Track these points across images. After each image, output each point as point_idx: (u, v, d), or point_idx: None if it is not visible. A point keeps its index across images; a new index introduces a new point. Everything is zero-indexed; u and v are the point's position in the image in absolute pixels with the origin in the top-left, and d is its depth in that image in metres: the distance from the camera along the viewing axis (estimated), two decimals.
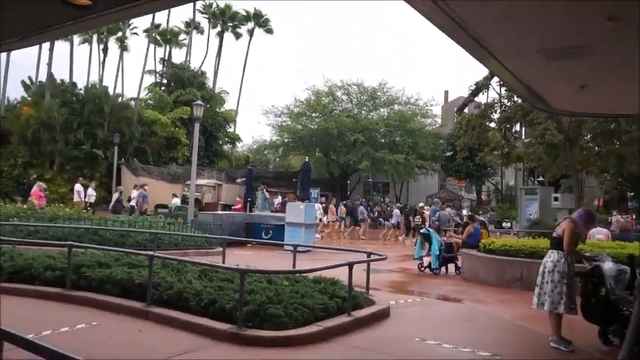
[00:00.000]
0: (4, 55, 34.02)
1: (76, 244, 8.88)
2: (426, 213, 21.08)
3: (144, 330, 6.04)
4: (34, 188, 18.98)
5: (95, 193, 23.17)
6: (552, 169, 21.13)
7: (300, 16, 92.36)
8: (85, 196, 21.47)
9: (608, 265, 6.05)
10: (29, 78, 37.44)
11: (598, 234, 11.56)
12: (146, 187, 21.87)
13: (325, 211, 22.79)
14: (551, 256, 6.15)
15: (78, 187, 21.72)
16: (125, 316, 6.58)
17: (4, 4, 3.78)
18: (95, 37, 39.53)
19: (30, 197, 18.36)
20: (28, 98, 34.66)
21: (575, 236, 6.09)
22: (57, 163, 29.99)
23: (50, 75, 34.67)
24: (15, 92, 63.67)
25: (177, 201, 23.47)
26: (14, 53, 31.90)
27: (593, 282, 6.06)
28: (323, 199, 26.99)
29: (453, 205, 26.47)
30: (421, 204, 25.02)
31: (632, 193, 27.03)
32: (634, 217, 20.94)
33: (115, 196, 21.73)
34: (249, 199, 22.84)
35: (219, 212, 20.06)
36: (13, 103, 35.26)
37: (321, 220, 22.29)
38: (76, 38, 38.72)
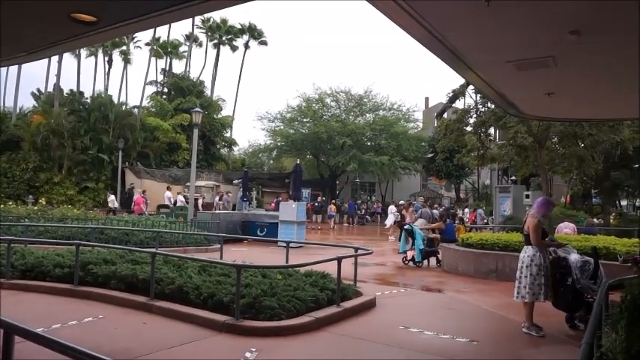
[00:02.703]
0: (15, 67, 33.73)
1: (83, 242, 8.81)
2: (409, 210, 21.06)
3: (148, 322, 6.01)
4: (136, 196, 19.13)
5: (185, 200, 23.16)
6: (523, 169, 21.29)
7: (291, 27, 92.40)
8: (175, 203, 21.60)
9: (573, 257, 6.13)
10: (38, 90, 37.08)
11: (565, 228, 11.65)
12: (230, 194, 22.26)
13: (403, 216, 22.07)
14: (527, 252, 6.17)
15: (168, 194, 21.95)
16: (130, 309, 6.53)
17: (14, 22, 3.76)
18: (100, 50, 39.22)
19: (137, 204, 18.53)
20: (38, 107, 34.29)
21: (540, 229, 6.14)
22: (65, 168, 29.71)
23: (59, 85, 34.36)
24: (26, 102, 62.91)
25: (112, 198, 23.25)
26: (25, 64, 31.54)
27: (561, 272, 6.12)
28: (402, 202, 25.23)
29: (432, 204, 26.49)
30: (401, 202, 24.90)
31: (595, 191, 27.34)
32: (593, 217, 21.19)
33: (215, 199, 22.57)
34: (244, 199, 22.81)
35: (218, 212, 19.95)
36: (24, 112, 34.86)
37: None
38: (83, 51, 38.40)
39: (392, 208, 21.85)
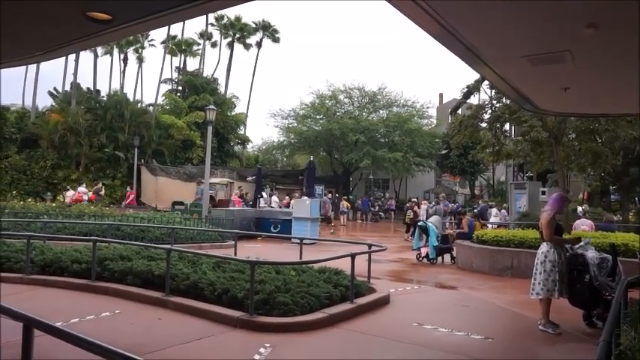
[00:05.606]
0: (33, 66, 34.28)
1: (100, 239, 8.95)
2: (423, 207, 20.94)
3: (163, 317, 6.07)
4: (235, 197, 20.18)
5: (278, 200, 24.14)
6: (538, 165, 20.98)
7: (304, 23, 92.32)
8: (270, 203, 22.80)
9: (591, 254, 6.04)
10: (55, 89, 37.61)
11: (582, 225, 11.51)
12: (297, 196, 23.36)
13: (415, 213, 20.83)
14: (542, 248, 6.15)
15: (264, 194, 23.40)
16: (145, 304, 6.61)
17: (31, 21, 3.81)
18: (116, 48, 39.64)
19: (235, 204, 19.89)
20: (56, 106, 34.83)
21: (552, 225, 6.08)
22: (82, 165, 30.14)
23: (76, 84, 34.83)
24: (44, 100, 63.96)
25: (70, 194, 23.32)
26: (42, 63, 32.04)
27: (578, 269, 6.04)
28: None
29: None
30: (414, 199, 24.62)
31: (614, 187, 26.84)
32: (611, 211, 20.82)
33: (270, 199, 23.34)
34: (258, 196, 22.88)
35: (232, 208, 20.06)
36: (42, 111, 35.43)
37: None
38: (99, 49, 38.86)
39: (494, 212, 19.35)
